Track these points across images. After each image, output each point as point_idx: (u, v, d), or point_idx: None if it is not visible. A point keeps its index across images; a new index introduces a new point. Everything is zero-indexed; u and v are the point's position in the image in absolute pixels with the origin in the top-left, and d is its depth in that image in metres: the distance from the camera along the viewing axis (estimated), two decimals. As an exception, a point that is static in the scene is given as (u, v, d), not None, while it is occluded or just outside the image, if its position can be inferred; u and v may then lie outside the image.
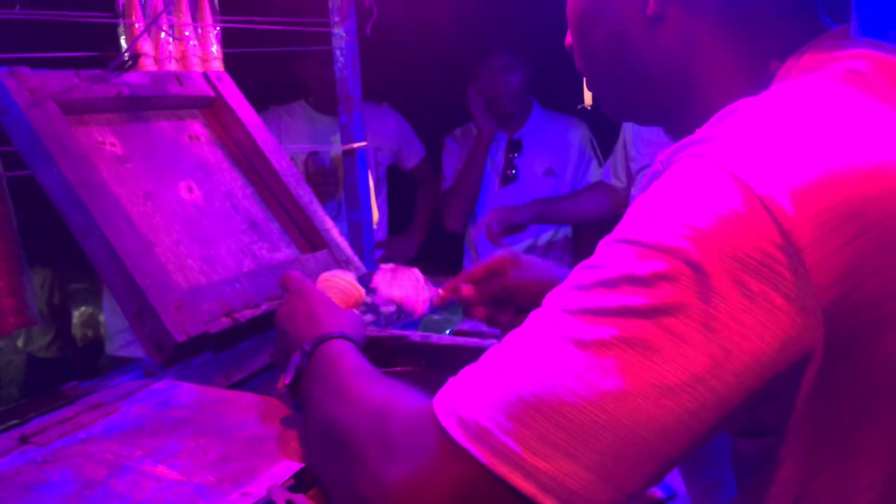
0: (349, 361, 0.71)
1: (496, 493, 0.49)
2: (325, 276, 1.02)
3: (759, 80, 0.61)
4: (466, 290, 0.99)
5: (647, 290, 0.48)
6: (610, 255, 0.51)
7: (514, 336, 0.53)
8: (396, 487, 0.51)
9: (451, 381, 0.55)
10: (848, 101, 0.53)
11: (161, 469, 0.72)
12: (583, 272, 0.53)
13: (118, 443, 0.78)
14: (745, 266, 0.47)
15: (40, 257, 2.93)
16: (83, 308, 3.25)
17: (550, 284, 0.81)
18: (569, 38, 0.74)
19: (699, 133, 0.54)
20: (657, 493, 1.29)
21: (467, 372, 0.54)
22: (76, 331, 3.22)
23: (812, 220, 0.47)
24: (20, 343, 3.00)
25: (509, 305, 0.99)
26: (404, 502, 0.51)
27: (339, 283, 1.01)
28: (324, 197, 2.33)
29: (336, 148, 2.04)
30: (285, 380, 0.74)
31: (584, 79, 0.75)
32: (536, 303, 0.79)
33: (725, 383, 0.47)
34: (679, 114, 0.68)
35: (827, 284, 0.47)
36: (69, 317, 3.14)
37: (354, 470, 0.56)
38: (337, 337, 0.75)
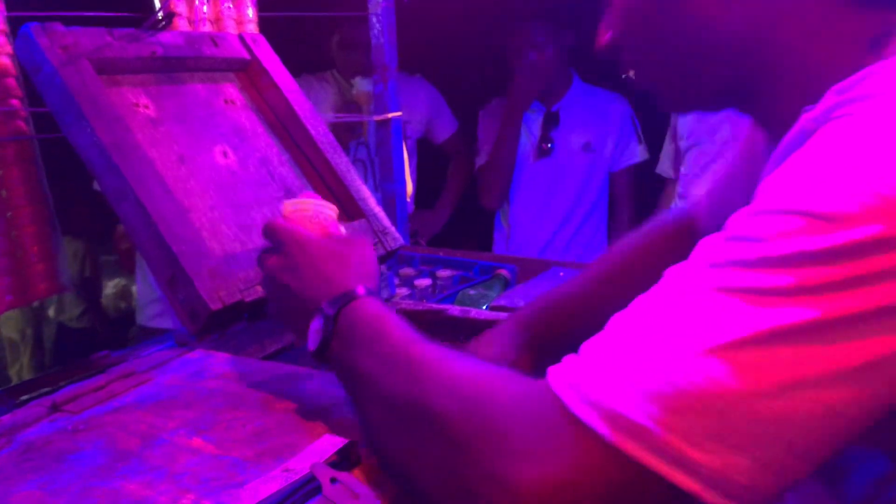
0: (395, 324, 0.63)
1: (652, 492, 0.45)
2: (289, 204, 0.82)
3: (873, 39, 0.54)
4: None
5: (824, 269, 0.43)
6: (773, 226, 0.45)
7: (652, 310, 0.48)
8: (529, 489, 0.46)
9: (574, 360, 0.49)
10: None
11: (197, 441, 0.69)
12: (737, 245, 0.46)
13: (152, 413, 0.75)
14: None
15: (73, 228, 2.93)
16: (117, 280, 3.26)
17: None
18: (605, 35, 0.67)
19: (850, 91, 0.48)
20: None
21: (596, 351, 0.48)
22: (109, 302, 3.23)
23: None
24: (52, 312, 3.01)
25: None
26: None
27: (313, 210, 0.81)
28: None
29: (360, 86, 2.01)
30: (309, 346, 0.68)
31: (634, 73, 0.68)
32: None
33: None
34: (760, 90, 0.60)
35: None
36: (101, 287, 3.15)
37: (460, 463, 0.50)
38: (360, 295, 0.68)
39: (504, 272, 1.53)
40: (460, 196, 2.79)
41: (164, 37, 1.10)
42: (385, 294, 1.21)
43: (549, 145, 2.48)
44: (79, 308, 3.03)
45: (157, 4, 1.14)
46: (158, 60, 1.08)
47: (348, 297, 0.67)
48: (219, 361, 0.89)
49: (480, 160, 2.58)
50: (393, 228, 1.23)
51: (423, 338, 0.61)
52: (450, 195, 2.80)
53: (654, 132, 2.45)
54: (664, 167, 2.46)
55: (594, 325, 0.52)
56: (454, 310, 1.18)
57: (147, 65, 1.07)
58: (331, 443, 0.63)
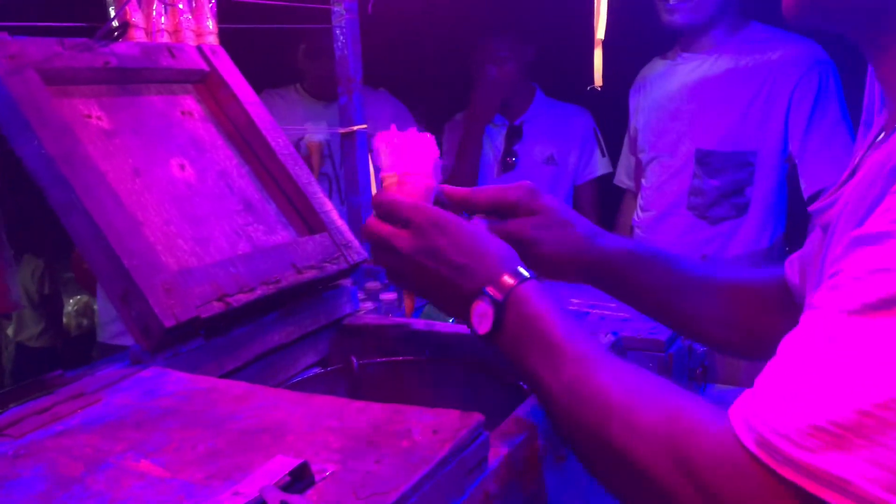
0: (563, 324, 0.65)
1: None
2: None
3: None
4: (477, 221, 0.86)
5: None
6: None
7: (819, 353, 0.48)
8: None
9: (761, 409, 0.50)
10: None
11: (144, 464, 0.66)
12: (880, 278, 0.46)
13: (98, 436, 0.72)
14: None
15: (32, 246, 2.87)
16: (78, 297, 3.20)
17: (579, 253, 0.76)
18: None
19: None
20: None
21: (780, 395, 0.49)
22: (70, 320, 3.16)
23: None
24: (10, 332, 2.94)
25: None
26: None
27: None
28: None
29: (310, 135, 1.97)
30: (479, 332, 0.68)
31: None
32: (555, 270, 0.74)
33: None
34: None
35: None
36: (61, 305, 3.08)
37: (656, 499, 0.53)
38: (526, 278, 0.69)
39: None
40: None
41: (119, 47, 1.08)
42: (348, 308, 1.19)
43: (513, 159, 2.48)
44: (38, 327, 2.96)
45: (112, 14, 1.11)
46: (112, 71, 1.05)
47: (510, 283, 0.68)
48: (173, 380, 0.86)
49: (445, 174, 2.58)
50: (356, 242, 1.20)
51: (598, 349, 0.63)
52: None
53: (618, 145, 2.47)
54: (621, 178, 2.48)
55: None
56: (419, 323, 1.16)
57: (100, 75, 1.04)
58: (283, 464, 0.60)
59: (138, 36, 1.15)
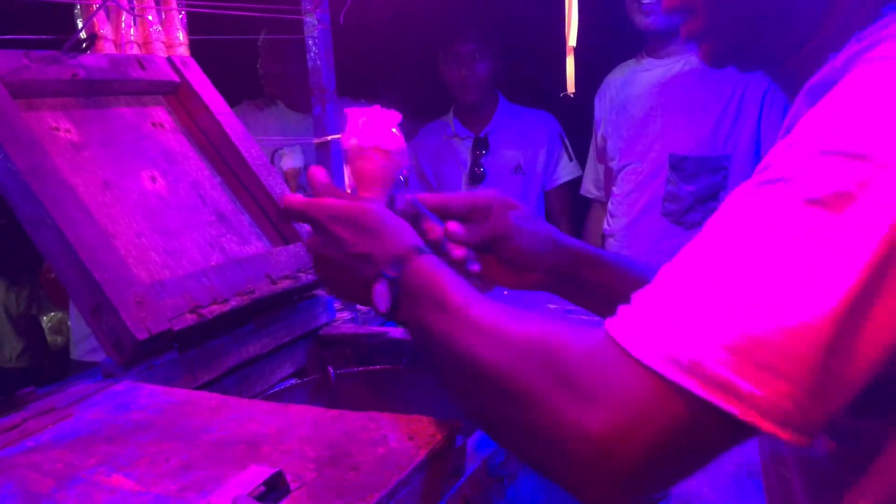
0: (456, 283, 0.65)
1: (712, 427, 0.48)
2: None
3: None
4: (453, 225, 0.86)
5: (876, 214, 0.45)
6: (812, 167, 0.48)
7: (700, 256, 0.50)
8: (601, 433, 0.49)
9: (629, 309, 0.52)
10: None
11: (116, 479, 0.65)
12: (773, 187, 0.49)
13: (70, 451, 0.71)
14: None
15: (10, 265, 2.83)
16: (51, 314, 3.15)
17: (550, 250, 0.77)
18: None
19: (872, 35, 0.52)
20: (653, 493, 1.24)
21: (653, 298, 0.51)
22: (46, 336, 3.11)
23: None
24: None
25: (489, 255, 0.88)
26: (612, 446, 0.49)
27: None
28: None
29: (284, 163, 1.95)
30: (381, 308, 0.69)
31: (690, 20, 0.70)
32: (528, 265, 0.75)
33: None
34: (795, 52, 0.64)
35: None
36: (39, 325, 3.03)
37: (538, 416, 0.53)
38: (417, 252, 0.69)
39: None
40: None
41: (87, 59, 1.07)
42: (324, 318, 1.18)
43: (481, 170, 2.49)
44: (18, 347, 2.91)
45: (80, 26, 1.10)
46: (81, 83, 1.04)
47: (405, 257, 0.69)
48: (146, 393, 0.85)
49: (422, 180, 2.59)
50: (331, 251, 1.20)
51: (482, 296, 0.64)
52: None
53: (585, 150, 2.47)
54: (588, 188, 2.48)
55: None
56: (395, 332, 1.16)
57: (68, 88, 1.03)
58: (257, 473, 0.59)
59: (107, 48, 1.14)
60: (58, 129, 0.99)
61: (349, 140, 0.83)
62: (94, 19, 1.10)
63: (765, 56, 0.68)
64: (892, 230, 0.45)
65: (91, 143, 1.02)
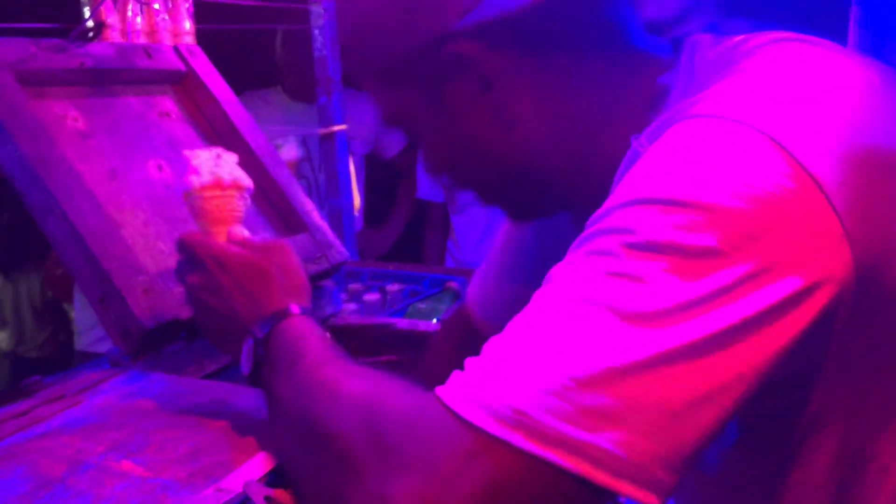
0: (315, 346, 0.61)
1: (538, 481, 0.43)
2: (195, 179, 0.78)
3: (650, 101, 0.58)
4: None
5: (697, 262, 0.43)
6: (638, 218, 0.45)
7: (525, 316, 0.47)
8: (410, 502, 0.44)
9: (459, 373, 0.48)
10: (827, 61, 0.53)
11: (126, 464, 0.65)
12: (603, 238, 0.46)
13: (80, 437, 0.71)
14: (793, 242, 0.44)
15: (37, 255, 2.83)
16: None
17: None
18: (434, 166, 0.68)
19: (681, 104, 0.51)
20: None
21: (479, 361, 0.47)
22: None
23: (848, 181, 0.45)
24: (6, 345, 2.90)
25: None
26: None
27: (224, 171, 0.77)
28: None
29: (287, 153, 1.94)
30: (243, 370, 0.66)
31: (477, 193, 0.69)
32: None
33: (770, 346, 0.44)
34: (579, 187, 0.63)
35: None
36: (64, 314, 3.03)
37: (347, 481, 0.48)
38: (292, 314, 0.66)
39: (454, 285, 1.51)
40: (410, 214, 2.76)
41: (94, 48, 1.07)
42: (330, 309, 1.19)
43: None
44: (41, 337, 2.92)
45: (87, 15, 1.10)
46: (88, 72, 1.04)
47: (278, 318, 0.65)
48: (153, 382, 0.85)
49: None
50: (338, 242, 1.20)
51: (339, 358, 0.59)
52: (399, 213, 2.76)
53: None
54: None
55: None
56: (402, 323, 1.16)
57: (76, 77, 1.03)
58: (265, 460, 0.60)
59: (114, 37, 1.14)
60: (65, 117, 1.00)
61: (201, 179, 0.79)
62: (101, 8, 1.10)
63: (564, 204, 0.67)
64: (716, 270, 0.43)
65: (98, 132, 1.02)
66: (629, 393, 0.42)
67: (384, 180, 2.72)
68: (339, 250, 1.19)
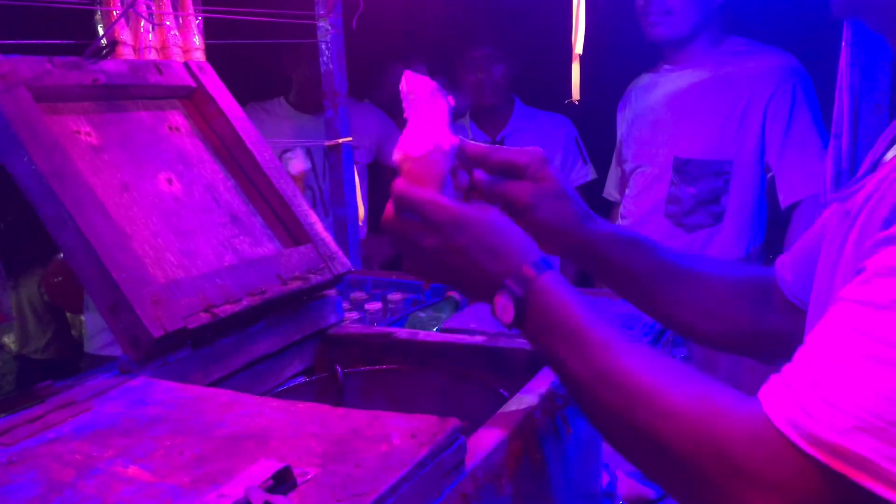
0: (585, 313, 0.69)
1: None
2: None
3: None
4: (479, 174, 0.88)
5: None
6: None
7: (850, 344, 0.53)
8: None
9: (785, 391, 0.54)
10: None
11: (133, 470, 0.68)
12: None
13: (89, 443, 0.74)
14: None
15: (37, 258, 2.87)
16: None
17: (573, 231, 0.87)
18: None
19: None
20: (650, 493, 1.27)
21: (809, 388, 0.53)
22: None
23: None
24: (13, 346, 2.94)
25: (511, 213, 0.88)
26: None
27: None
28: None
29: (293, 167, 1.97)
30: (504, 321, 0.73)
31: None
32: (547, 239, 0.81)
33: None
34: None
35: None
36: (64, 317, 3.07)
37: (700, 489, 0.56)
38: (541, 268, 0.72)
39: (455, 294, 1.54)
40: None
41: (107, 65, 1.10)
42: (332, 318, 1.22)
43: None
44: (44, 338, 2.96)
45: (101, 32, 1.14)
46: (101, 88, 1.08)
47: (530, 276, 0.72)
48: (160, 389, 0.88)
49: None
50: (340, 253, 1.23)
51: (622, 336, 0.67)
52: None
53: (603, 153, 2.51)
54: (610, 191, 2.52)
55: None
56: (402, 332, 1.19)
57: (89, 92, 1.07)
58: (267, 467, 0.63)
59: (126, 53, 1.18)
60: (79, 132, 1.03)
61: (402, 147, 0.85)
62: (115, 25, 1.14)
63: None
64: None
65: (110, 146, 1.06)
66: None
67: (388, 189, 2.75)
68: (342, 261, 1.23)
